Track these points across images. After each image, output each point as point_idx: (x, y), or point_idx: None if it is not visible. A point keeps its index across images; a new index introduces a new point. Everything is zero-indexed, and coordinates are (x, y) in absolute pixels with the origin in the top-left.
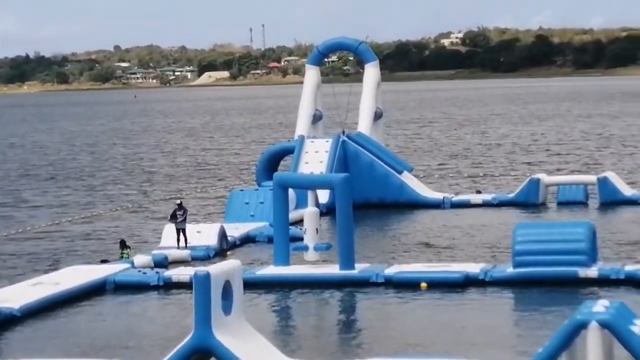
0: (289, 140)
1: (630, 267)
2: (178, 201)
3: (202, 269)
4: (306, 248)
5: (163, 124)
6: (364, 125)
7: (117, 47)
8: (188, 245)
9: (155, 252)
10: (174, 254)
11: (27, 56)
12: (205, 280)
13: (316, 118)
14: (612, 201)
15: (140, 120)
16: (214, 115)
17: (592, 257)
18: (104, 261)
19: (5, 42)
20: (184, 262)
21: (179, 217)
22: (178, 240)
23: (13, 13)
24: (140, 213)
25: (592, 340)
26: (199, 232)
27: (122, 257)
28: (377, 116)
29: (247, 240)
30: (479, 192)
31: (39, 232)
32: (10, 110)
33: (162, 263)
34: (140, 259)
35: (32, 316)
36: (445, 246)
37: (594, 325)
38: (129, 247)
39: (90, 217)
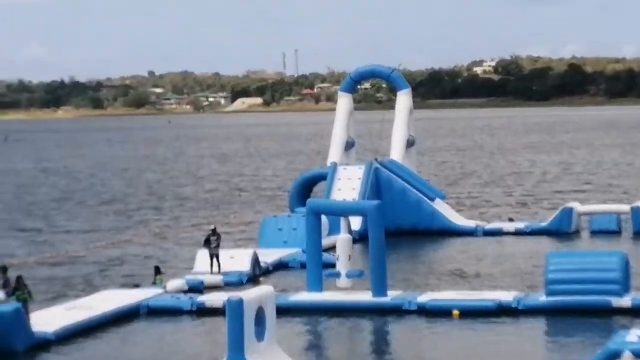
0: (322, 167)
1: None
2: (212, 227)
3: (235, 294)
4: (339, 275)
5: (196, 149)
6: (396, 152)
7: (151, 73)
8: (221, 271)
9: (188, 277)
10: (207, 279)
11: (63, 81)
12: (238, 306)
13: (349, 145)
14: None
15: (173, 146)
16: (247, 142)
17: (625, 286)
18: (136, 286)
19: (40, 67)
20: (217, 287)
21: (212, 242)
22: (211, 265)
23: (49, 38)
24: (171, 239)
25: None
26: (232, 257)
27: (155, 283)
28: (410, 144)
29: (280, 266)
30: (511, 220)
31: (71, 256)
32: (46, 135)
33: (198, 288)
34: (174, 284)
35: (66, 340)
36: (478, 274)
37: (627, 355)
38: (163, 273)
39: (122, 243)
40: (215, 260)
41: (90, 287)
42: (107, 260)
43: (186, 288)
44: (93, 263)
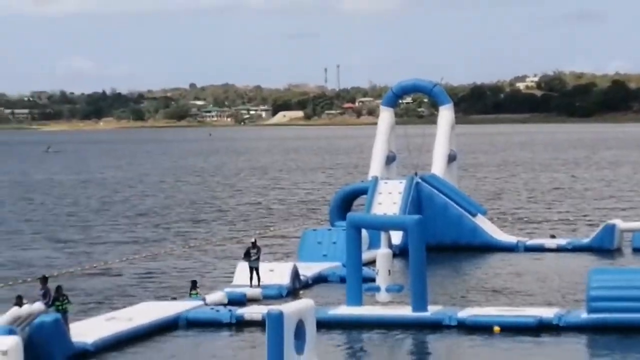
0: (362, 181)
1: None
2: (252, 239)
3: (275, 307)
4: (378, 289)
5: (236, 162)
6: (437, 167)
7: (192, 85)
8: (261, 283)
9: (227, 289)
10: (248, 292)
11: (104, 93)
12: (278, 319)
13: (390, 159)
14: None
15: (213, 158)
16: (287, 154)
17: None
18: (174, 299)
19: (82, 78)
20: (256, 300)
21: (252, 255)
22: (251, 278)
23: (90, 50)
24: (209, 251)
25: None
26: (271, 270)
27: (191, 295)
28: (451, 158)
29: (320, 279)
30: (553, 236)
31: (108, 268)
32: (86, 146)
33: (241, 300)
34: (214, 296)
35: (105, 351)
36: (518, 290)
37: None
38: (199, 287)
39: (160, 255)
40: (254, 273)
41: (126, 299)
42: (144, 272)
43: (226, 301)
44: (130, 275)
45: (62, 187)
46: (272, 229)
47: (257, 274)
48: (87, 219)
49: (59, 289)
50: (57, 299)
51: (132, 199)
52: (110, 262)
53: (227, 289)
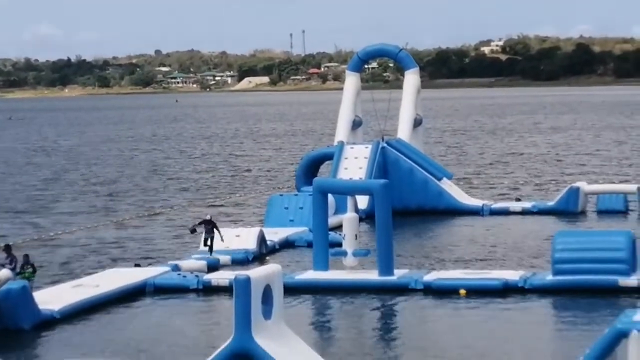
0: (328, 146)
1: None
2: (208, 216)
3: (242, 273)
4: (345, 253)
5: (203, 128)
6: (403, 131)
7: (158, 52)
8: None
9: (195, 256)
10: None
11: (69, 60)
12: (245, 285)
13: (356, 124)
14: None
15: (179, 125)
16: (254, 121)
17: (632, 266)
18: (137, 265)
19: (47, 45)
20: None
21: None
22: (207, 245)
23: (55, 17)
24: (176, 219)
25: (633, 349)
26: (238, 236)
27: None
28: (417, 123)
29: (287, 245)
30: (518, 199)
31: (67, 235)
32: (51, 114)
33: (215, 266)
34: (191, 264)
35: (71, 318)
36: (484, 253)
37: (635, 334)
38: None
39: (116, 224)
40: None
41: (89, 267)
42: (106, 241)
43: (206, 269)
44: (93, 243)
45: (17, 154)
46: (238, 194)
47: (211, 245)
48: (41, 188)
49: (26, 257)
50: (22, 267)
51: (88, 167)
52: (69, 230)
53: (196, 256)
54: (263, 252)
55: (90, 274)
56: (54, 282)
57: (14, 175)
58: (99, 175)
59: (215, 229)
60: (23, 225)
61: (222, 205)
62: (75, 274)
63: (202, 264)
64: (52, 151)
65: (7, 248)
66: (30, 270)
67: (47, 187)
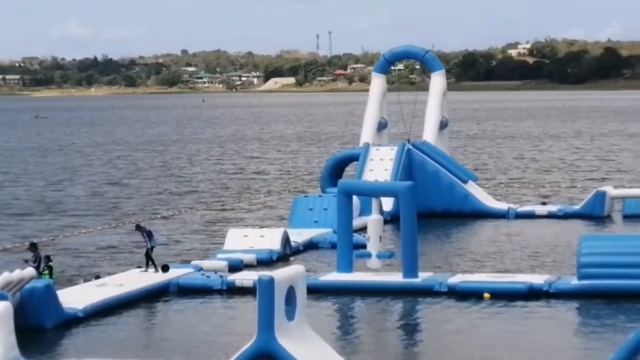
0: (354, 148)
1: None
2: (141, 223)
3: (266, 273)
4: (369, 255)
5: (231, 130)
6: (429, 134)
7: (184, 52)
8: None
9: (220, 255)
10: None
11: (96, 59)
12: (269, 285)
13: (381, 126)
14: None
15: (205, 125)
16: (280, 122)
17: None
18: (164, 267)
19: (74, 44)
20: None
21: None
22: (147, 264)
23: (82, 16)
24: (198, 218)
25: None
26: (262, 236)
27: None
28: (443, 125)
29: (310, 246)
30: (544, 203)
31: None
32: (76, 113)
33: (237, 266)
34: (213, 264)
35: (95, 317)
36: (509, 257)
37: None
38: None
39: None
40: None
41: (112, 268)
42: (124, 243)
43: (227, 270)
44: (114, 243)
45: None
46: (262, 196)
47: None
48: (52, 189)
49: (47, 258)
50: (43, 267)
51: (103, 164)
52: (85, 231)
53: (220, 255)
54: (287, 253)
55: (110, 274)
56: (70, 283)
57: (27, 173)
58: (116, 173)
59: (147, 236)
60: (42, 226)
61: (248, 209)
62: (90, 275)
63: (224, 264)
64: (81, 149)
65: (33, 246)
66: (47, 271)
67: (60, 187)
